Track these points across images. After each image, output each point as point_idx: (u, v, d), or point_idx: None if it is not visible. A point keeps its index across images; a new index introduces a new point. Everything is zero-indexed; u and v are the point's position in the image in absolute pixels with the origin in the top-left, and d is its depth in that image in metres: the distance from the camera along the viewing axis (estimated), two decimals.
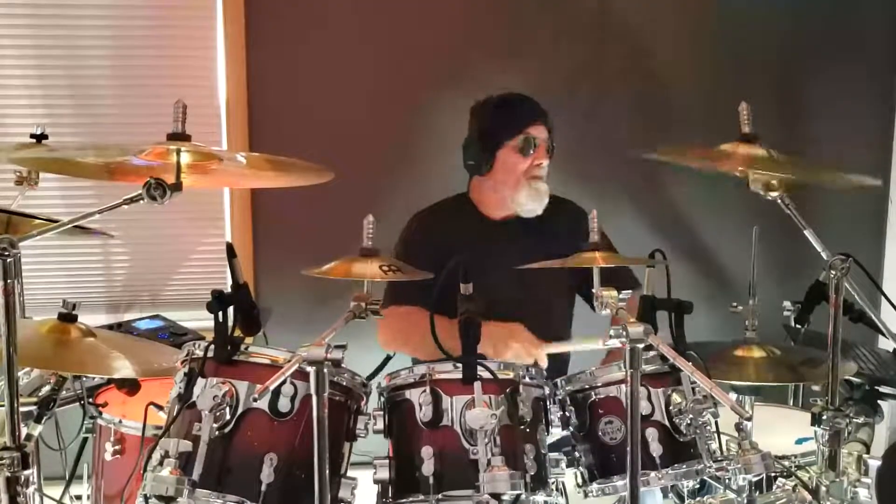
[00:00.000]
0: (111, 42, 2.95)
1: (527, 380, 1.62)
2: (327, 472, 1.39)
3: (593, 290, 1.60)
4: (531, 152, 2.28)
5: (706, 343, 1.99)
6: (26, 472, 1.48)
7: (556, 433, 1.71)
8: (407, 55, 3.07)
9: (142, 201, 1.53)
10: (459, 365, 1.53)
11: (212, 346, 1.53)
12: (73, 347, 1.85)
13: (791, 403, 2.55)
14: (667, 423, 1.63)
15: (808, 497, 1.80)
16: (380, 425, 1.62)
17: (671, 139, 3.18)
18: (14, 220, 2.02)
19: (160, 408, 1.78)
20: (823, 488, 1.74)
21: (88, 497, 2.08)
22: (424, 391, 1.56)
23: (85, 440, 2.06)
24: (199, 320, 2.45)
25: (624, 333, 1.41)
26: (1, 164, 2.59)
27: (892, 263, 3.34)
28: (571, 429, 1.71)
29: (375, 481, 1.58)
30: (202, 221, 3.12)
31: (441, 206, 2.46)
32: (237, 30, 2.98)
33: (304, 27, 3.02)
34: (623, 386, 1.55)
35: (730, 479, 1.63)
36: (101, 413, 1.97)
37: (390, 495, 1.57)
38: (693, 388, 1.62)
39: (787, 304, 2.10)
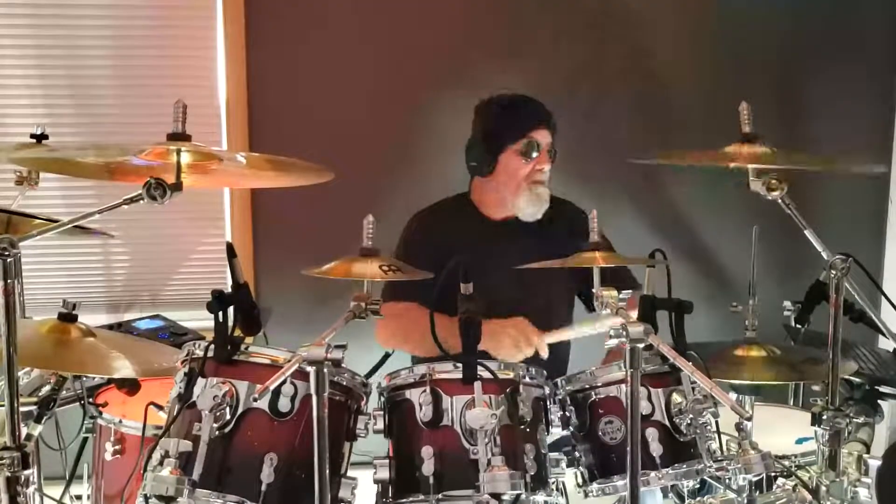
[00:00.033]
0: (111, 42, 2.95)
1: (527, 380, 1.62)
2: (327, 472, 1.38)
3: (593, 290, 1.61)
4: (534, 156, 2.28)
5: (706, 343, 1.99)
6: (26, 472, 1.48)
7: (556, 433, 1.71)
8: (407, 55, 3.07)
9: (142, 201, 1.53)
10: (459, 365, 1.53)
11: (212, 346, 1.53)
12: (73, 347, 1.85)
13: (791, 403, 2.56)
14: (667, 422, 1.63)
15: (808, 497, 1.80)
16: (380, 425, 1.62)
17: (671, 139, 3.19)
18: (14, 220, 2.02)
19: (160, 408, 1.78)
20: (823, 488, 1.74)
21: (88, 497, 2.08)
22: (424, 391, 1.56)
23: (85, 440, 2.06)
24: (199, 320, 2.46)
25: (624, 333, 1.41)
26: (1, 164, 2.59)
27: (892, 263, 3.34)
28: (571, 429, 1.71)
29: (375, 481, 1.58)
30: (202, 221, 3.12)
31: (441, 206, 2.47)
32: (237, 30, 2.98)
33: (304, 27, 3.02)
34: (623, 386, 1.55)
35: (730, 478, 1.63)
36: (101, 413, 1.97)
37: (390, 495, 1.57)
38: (693, 388, 1.62)
39: (787, 303, 2.10)
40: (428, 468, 1.51)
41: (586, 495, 1.69)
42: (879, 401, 2.04)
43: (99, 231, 2.71)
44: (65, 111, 2.94)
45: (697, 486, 1.72)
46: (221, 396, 1.46)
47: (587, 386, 1.70)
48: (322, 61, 3.04)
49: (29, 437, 1.57)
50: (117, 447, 1.92)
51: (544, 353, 2.11)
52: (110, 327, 2.52)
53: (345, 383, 1.59)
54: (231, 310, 1.54)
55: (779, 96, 3.28)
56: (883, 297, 2.00)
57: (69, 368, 1.82)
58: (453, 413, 1.53)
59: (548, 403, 1.69)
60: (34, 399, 1.76)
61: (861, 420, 1.98)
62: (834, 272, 1.69)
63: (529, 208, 2.32)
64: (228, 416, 1.48)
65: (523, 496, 1.46)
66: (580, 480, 1.71)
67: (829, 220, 3.06)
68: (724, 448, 1.70)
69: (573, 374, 1.74)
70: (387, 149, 3.08)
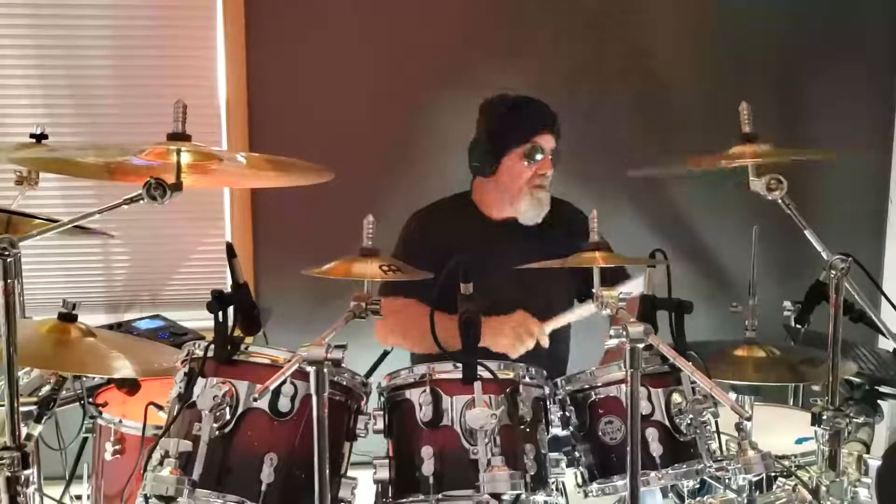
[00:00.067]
0: (111, 42, 2.95)
1: (527, 380, 1.62)
2: (327, 472, 1.38)
3: (593, 290, 1.61)
4: (537, 159, 2.28)
5: (706, 343, 1.99)
6: (26, 472, 1.48)
7: (556, 433, 1.71)
8: (407, 55, 3.07)
9: (142, 201, 1.53)
10: (459, 365, 1.53)
11: (212, 346, 1.53)
12: (73, 347, 1.85)
13: (791, 403, 2.55)
14: (667, 422, 1.63)
15: (808, 497, 1.80)
16: (380, 425, 1.62)
17: (671, 139, 3.19)
18: (14, 220, 2.02)
19: (160, 408, 1.78)
20: (823, 488, 1.74)
21: (88, 497, 2.08)
22: (424, 391, 1.56)
23: (85, 440, 2.06)
24: (199, 320, 2.45)
25: (624, 333, 1.41)
26: (1, 164, 2.59)
27: (892, 263, 3.34)
28: (571, 429, 1.71)
29: (375, 481, 1.58)
30: (202, 221, 3.12)
31: (440, 205, 2.46)
32: (237, 30, 2.98)
33: (304, 27, 3.02)
34: (623, 386, 1.56)
35: (730, 478, 1.63)
36: (101, 413, 1.97)
37: (390, 495, 1.57)
38: (693, 388, 1.62)
39: (787, 304, 2.10)
40: (428, 468, 1.51)
41: (586, 495, 1.69)
42: (879, 401, 2.04)
43: (99, 231, 2.71)
44: (65, 111, 2.94)
45: (697, 486, 1.73)
46: (221, 396, 1.46)
47: (587, 386, 1.70)
48: (322, 61, 3.04)
49: (29, 437, 1.58)
50: (117, 447, 1.92)
51: (545, 343, 2.10)
52: (110, 327, 2.52)
53: (345, 383, 1.59)
54: (231, 310, 1.54)
55: (779, 96, 3.28)
56: (883, 297, 2.00)
57: (69, 368, 1.82)
58: (453, 413, 1.54)
59: (548, 403, 1.69)
60: (34, 399, 1.76)
61: (861, 420, 1.98)
62: (834, 272, 1.69)
63: (529, 212, 2.32)
64: (228, 416, 1.48)
65: (523, 496, 1.47)
66: (580, 480, 1.71)
67: (829, 220, 3.06)
68: (724, 448, 1.70)
69: (573, 374, 1.74)
70: (387, 149, 3.08)
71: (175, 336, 2.49)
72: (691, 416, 1.60)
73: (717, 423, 1.65)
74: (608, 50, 3.18)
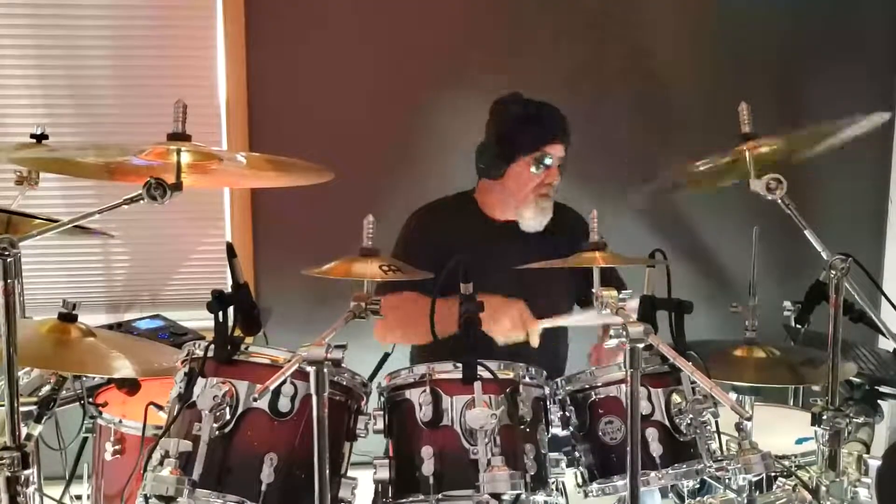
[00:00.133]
0: (111, 42, 2.95)
1: (527, 380, 1.62)
2: (327, 472, 1.38)
3: (593, 291, 1.61)
4: (547, 163, 2.27)
5: (706, 343, 1.99)
6: (26, 472, 1.48)
7: (556, 433, 1.71)
8: (407, 55, 3.07)
9: (142, 201, 1.53)
10: (459, 365, 1.53)
11: (212, 346, 1.53)
12: (73, 347, 1.85)
13: (791, 403, 2.55)
14: (667, 422, 1.63)
15: (808, 497, 1.80)
16: (380, 425, 1.62)
17: (671, 139, 3.19)
18: (14, 220, 2.02)
19: (160, 408, 1.78)
20: (823, 488, 1.74)
21: (88, 497, 2.08)
22: (424, 391, 1.56)
23: (85, 440, 2.06)
24: (199, 320, 2.46)
25: (624, 333, 1.41)
26: (1, 164, 2.59)
27: (892, 263, 3.34)
28: (571, 429, 1.71)
29: (375, 481, 1.58)
30: (202, 221, 3.12)
31: (440, 204, 2.45)
32: (237, 30, 2.98)
33: (304, 27, 3.02)
34: (623, 386, 1.56)
35: (730, 479, 1.63)
36: (101, 413, 1.97)
37: (390, 495, 1.57)
38: (693, 388, 1.62)
39: (787, 304, 2.10)
40: (428, 468, 1.51)
41: (586, 495, 1.69)
42: (879, 401, 2.04)
43: (99, 231, 2.71)
44: (65, 111, 2.95)
45: (697, 486, 1.72)
46: (221, 396, 1.46)
47: (587, 386, 1.70)
48: (322, 61, 3.04)
49: (29, 437, 1.58)
50: (117, 447, 1.92)
51: (535, 342, 2.08)
52: (110, 327, 2.52)
53: (345, 383, 1.59)
54: (231, 310, 1.54)
55: (779, 96, 3.28)
56: (883, 297, 2.00)
57: (69, 368, 1.82)
58: (453, 413, 1.53)
59: (548, 403, 1.69)
60: (34, 399, 1.76)
61: (861, 420, 1.98)
62: (834, 272, 1.69)
63: (532, 221, 2.32)
64: (228, 416, 1.48)
65: (523, 496, 1.46)
66: (580, 480, 1.71)
67: (829, 220, 3.06)
68: (724, 448, 1.70)
69: (573, 374, 1.73)
70: (387, 149, 3.08)
71: (175, 336, 2.50)
72: (691, 416, 1.60)
73: (717, 423, 1.65)
74: (608, 50, 3.18)
